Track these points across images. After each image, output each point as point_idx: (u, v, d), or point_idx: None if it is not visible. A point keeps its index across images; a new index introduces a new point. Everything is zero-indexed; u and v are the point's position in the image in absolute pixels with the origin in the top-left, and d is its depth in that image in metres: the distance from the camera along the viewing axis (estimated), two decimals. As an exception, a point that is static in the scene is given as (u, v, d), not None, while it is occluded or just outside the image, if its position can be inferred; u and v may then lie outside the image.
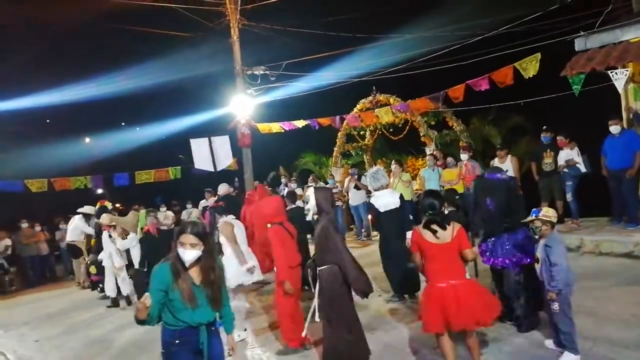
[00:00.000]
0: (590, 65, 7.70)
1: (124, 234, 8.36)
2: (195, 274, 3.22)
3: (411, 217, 6.89)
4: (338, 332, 4.29)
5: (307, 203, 4.79)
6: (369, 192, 9.29)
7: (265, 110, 14.96)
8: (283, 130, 14.45)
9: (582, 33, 8.13)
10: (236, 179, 13.84)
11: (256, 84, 13.43)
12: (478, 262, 5.22)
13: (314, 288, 4.48)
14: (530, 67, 8.96)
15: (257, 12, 13.33)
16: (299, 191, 10.90)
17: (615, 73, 7.59)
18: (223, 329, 3.49)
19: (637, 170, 7.60)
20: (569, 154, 8.33)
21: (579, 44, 8.15)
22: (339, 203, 11.79)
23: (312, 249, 5.80)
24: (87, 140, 26.82)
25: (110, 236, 8.43)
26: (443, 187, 9.44)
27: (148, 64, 15.99)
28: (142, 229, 8.07)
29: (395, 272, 6.53)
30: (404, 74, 11.99)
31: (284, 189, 11.90)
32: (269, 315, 6.60)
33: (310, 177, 12.70)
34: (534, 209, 4.35)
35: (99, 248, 9.07)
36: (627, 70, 7.57)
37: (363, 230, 11.59)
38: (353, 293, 4.43)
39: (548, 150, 8.60)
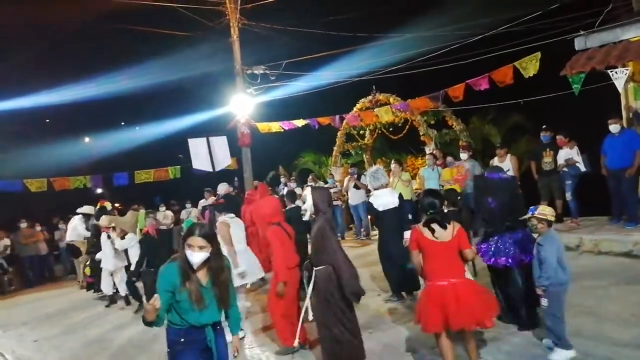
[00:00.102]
0: (590, 65, 7.69)
1: (122, 234, 8.36)
2: (202, 275, 3.21)
3: (410, 217, 6.87)
4: (333, 333, 4.28)
5: (304, 203, 4.76)
6: (368, 192, 9.28)
7: (264, 110, 14.97)
8: (282, 130, 14.45)
9: (582, 32, 8.12)
10: (236, 179, 13.83)
11: (256, 83, 13.44)
12: (476, 261, 5.21)
13: (307, 288, 4.48)
14: (530, 66, 8.95)
15: (257, 11, 13.34)
16: (298, 191, 10.90)
17: (615, 72, 7.57)
18: (228, 329, 3.47)
19: (637, 170, 7.59)
20: (569, 153, 8.32)
21: (579, 43, 8.15)
22: (338, 202, 11.79)
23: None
24: (87, 139, 26.84)
25: (109, 237, 8.42)
26: (443, 186, 9.43)
27: (148, 64, 16.01)
28: (141, 230, 8.06)
29: (394, 271, 6.53)
30: (404, 74, 11.98)
31: (284, 189, 11.89)
32: (268, 315, 6.58)
33: (310, 177, 12.69)
34: (531, 207, 4.39)
35: (96, 249, 9.07)
36: (627, 70, 7.56)
37: (362, 229, 11.58)
38: None
39: (547, 150, 8.59)
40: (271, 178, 14.40)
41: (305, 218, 4.71)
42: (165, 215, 11.27)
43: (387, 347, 5.05)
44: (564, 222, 8.59)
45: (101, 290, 9.29)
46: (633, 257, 6.87)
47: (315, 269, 4.36)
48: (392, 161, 10.62)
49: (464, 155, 9.65)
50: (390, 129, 14.00)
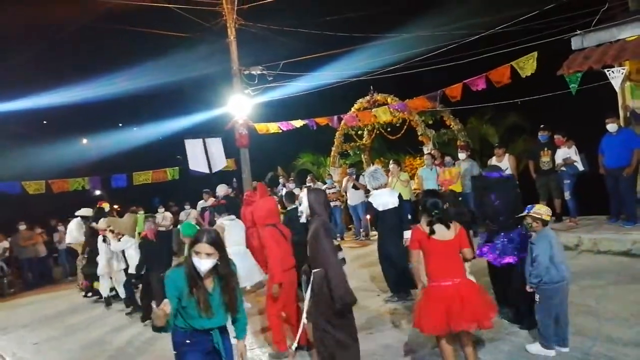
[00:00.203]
0: (587, 64, 7.71)
1: (119, 237, 8.33)
2: (208, 281, 3.18)
3: (409, 217, 6.89)
4: (328, 336, 4.28)
5: (300, 204, 4.77)
6: (367, 192, 9.30)
7: (262, 111, 14.97)
8: (280, 131, 14.44)
9: (578, 32, 8.13)
10: (234, 180, 13.83)
11: (253, 84, 13.43)
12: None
13: (304, 290, 4.49)
14: (527, 65, 8.97)
15: (254, 12, 13.32)
16: (297, 191, 10.90)
17: (612, 71, 7.59)
18: (234, 334, 3.45)
19: (635, 169, 7.62)
20: (567, 153, 8.34)
21: (575, 43, 8.16)
22: (337, 203, 11.80)
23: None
24: (85, 141, 26.80)
25: (104, 240, 8.43)
26: (441, 187, 9.45)
27: (145, 65, 15.98)
28: (139, 233, 8.06)
29: (393, 271, 6.54)
30: (402, 74, 11.99)
31: (282, 189, 11.90)
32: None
33: (309, 177, 12.70)
34: (527, 206, 4.44)
35: (91, 253, 9.06)
36: (623, 69, 7.58)
37: (362, 230, 11.59)
38: None
39: (545, 149, 8.61)
40: (270, 179, 14.41)
41: (302, 220, 4.71)
42: (164, 217, 11.26)
43: (387, 347, 5.05)
44: (562, 222, 8.61)
45: (97, 294, 9.34)
46: (632, 256, 6.90)
47: (313, 271, 4.37)
48: (391, 161, 10.63)
49: (462, 155, 9.67)
50: (389, 129, 14.01)
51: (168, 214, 12.25)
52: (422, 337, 4.76)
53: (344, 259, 4.90)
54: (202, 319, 3.12)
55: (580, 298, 5.46)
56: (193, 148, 9.81)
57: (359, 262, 8.92)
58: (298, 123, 14.15)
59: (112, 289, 8.87)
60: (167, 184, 16.28)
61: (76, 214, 10.76)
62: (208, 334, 3.21)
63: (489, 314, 3.91)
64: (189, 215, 11.98)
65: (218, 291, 3.19)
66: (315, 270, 4.37)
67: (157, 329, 3.07)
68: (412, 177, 11.14)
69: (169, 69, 16.11)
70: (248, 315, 6.54)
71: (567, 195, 8.40)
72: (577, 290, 5.61)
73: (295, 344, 4.65)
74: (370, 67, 13.08)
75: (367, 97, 13.65)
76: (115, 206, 13.65)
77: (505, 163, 8.64)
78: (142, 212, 10.66)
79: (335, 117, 13.86)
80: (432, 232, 3.93)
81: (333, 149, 14.90)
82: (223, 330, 3.31)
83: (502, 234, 4.96)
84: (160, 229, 7.84)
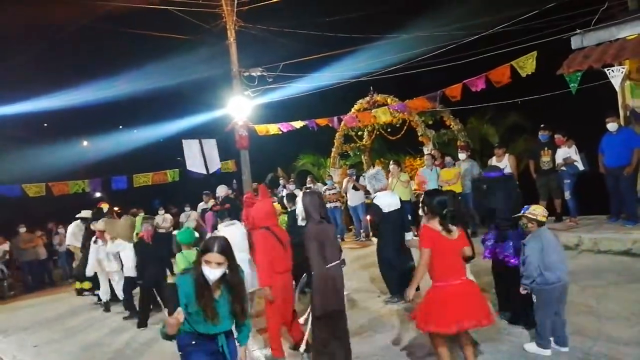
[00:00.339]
0: (587, 63, 7.70)
1: (114, 240, 8.31)
2: (217, 289, 3.16)
3: (409, 218, 6.90)
4: (321, 339, 4.28)
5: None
6: (367, 193, 9.29)
7: (262, 112, 14.96)
8: (281, 132, 14.43)
9: (578, 31, 8.13)
10: (234, 181, 13.82)
11: (253, 85, 13.42)
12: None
13: (296, 293, 4.49)
14: (527, 65, 8.95)
15: (254, 13, 13.33)
16: (297, 192, 10.89)
17: (612, 70, 7.58)
18: (237, 339, 3.44)
19: (635, 168, 7.60)
20: (567, 152, 8.32)
21: (575, 42, 8.16)
22: (337, 204, 11.78)
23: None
24: (85, 143, 26.82)
25: (95, 242, 8.43)
26: (441, 186, 9.43)
27: (145, 67, 15.97)
28: (137, 234, 8.05)
29: (395, 272, 6.51)
30: (401, 74, 11.98)
31: (283, 191, 11.89)
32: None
33: (308, 178, 12.70)
34: (524, 206, 4.44)
35: (87, 253, 9.06)
36: (623, 68, 7.57)
37: (362, 231, 11.58)
38: (346, 299, 4.41)
39: (546, 149, 8.60)
40: (270, 180, 14.38)
41: (300, 222, 4.71)
42: (164, 219, 11.23)
43: (387, 349, 5.03)
44: (562, 221, 8.60)
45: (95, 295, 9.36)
46: (632, 255, 6.88)
47: (313, 273, 4.37)
48: (391, 162, 10.63)
49: (462, 155, 9.66)
50: (389, 130, 13.98)
51: (168, 216, 12.24)
52: (422, 339, 4.75)
53: (343, 260, 4.87)
54: (208, 325, 3.12)
55: (581, 298, 5.44)
56: (190, 148, 9.82)
57: (359, 263, 8.91)
58: (298, 124, 14.15)
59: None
60: (167, 185, 16.28)
61: (77, 216, 10.78)
62: (213, 339, 3.21)
63: (488, 313, 3.91)
64: (189, 217, 12.00)
65: (225, 298, 3.18)
66: (312, 273, 4.38)
67: (167, 337, 3.04)
68: (412, 178, 11.13)
69: (168, 71, 16.10)
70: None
71: (567, 194, 8.38)
72: (578, 290, 5.60)
73: (303, 346, 4.63)
74: (370, 68, 13.08)
75: (367, 98, 13.63)
76: (116, 208, 13.64)
77: (505, 163, 8.64)
78: (142, 214, 10.63)
79: (335, 118, 13.86)
80: (449, 230, 3.90)
81: (333, 150, 14.88)
82: (228, 333, 3.31)
83: (510, 233, 4.92)
84: (160, 231, 7.81)
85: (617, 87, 7.95)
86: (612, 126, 7.78)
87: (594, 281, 6.04)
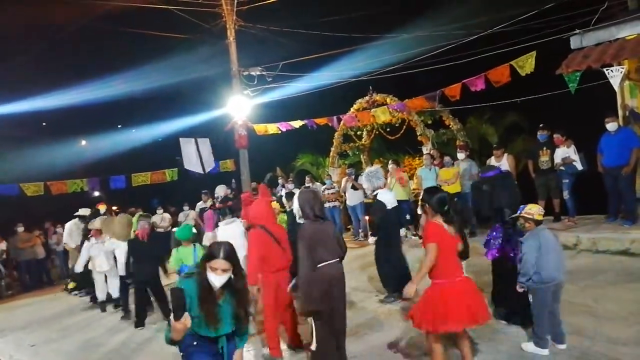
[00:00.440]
0: (586, 63, 7.69)
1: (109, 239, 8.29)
2: (220, 294, 3.14)
3: (407, 217, 6.91)
4: (316, 339, 4.27)
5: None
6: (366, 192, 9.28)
7: (262, 111, 14.93)
8: (280, 131, 14.42)
9: (577, 31, 8.12)
10: (233, 180, 13.80)
11: (253, 85, 13.41)
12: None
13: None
14: (526, 64, 8.95)
15: (254, 13, 13.31)
16: (296, 192, 10.87)
17: (611, 70, 7.58)
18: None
19: (633, 168, 7.61)
20: (566, 152, 8.32)
21: (574, 42, 8.15)
22: (336, 203, 11.78)
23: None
24: (83, 142, 26.78)
25: (88, 239, 8.40)
26: (440, 186, 9.43)
27: (144, 66, 15.95)
28: (134, 232, 8.04)
29: (396, 272, 6.50)
30: (401, 74, 11.97)
31: (281, 190, 11.88)
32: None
33: (307, 178, 12.68)
34: (521, 205, 4.44)
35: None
36: (622, 68, 7.57)
37: (360, 230, 11.57)
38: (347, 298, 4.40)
39: (544, 148, 8.60)
40: (269, 179, 14.37)
41: (298, 220, 4.70)
42: (162, 218, 11.22)
43: (382, 348, 5.02)
44: (561, 221, 8.60)
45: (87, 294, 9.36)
46: (630, 255, 6.88)
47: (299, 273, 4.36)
48: (390, 161, 10.62)
49: (461, 155, 9.66)
50: (388, 129, 13.98)
51: (166, 215, 12.25)
52: (415, 338, 4.75)
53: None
54: (210, 328, 3.11)
55: (579, 297, 5.44)
56: (187, 147, 9.81)
57: (358, 263, 8.89)
58: (297, 123, 14.13)
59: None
60: (165, 185, 16.25)
61: (75, 214, 10.76)
62: (215, 341, 3.20)
63: (486, 310, 3.91)
64: (188, 216, 11.98)
65: (229, 302, 3.16)
66: None
67: (172, 343, 3.01)
68: (411, 178, 11.12)
69: (168, 70, 16.08)
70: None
71: (565, 194, 8.38)
72: (576, 290, 5.60)
73: (314, 344, 4.61)
74: (369, 68, 13.05)
75: (366, 98, 13.63)
76: (114, 207, 13.63)
77: (504, 163, 8.63)
78: (140, 213, 10.64)
79: (335, 118, 13.85)
80: (455, 227, 3.90)
81: (332, 149, 14.87)
82: (230, 336, 3.29)
83: (513, 232, 4.91)
84: (158, 230, 7.79)
85: (616, 87, 7.94)
86: (611, 126, 7.78)
87: (592, 281, 6.03)
